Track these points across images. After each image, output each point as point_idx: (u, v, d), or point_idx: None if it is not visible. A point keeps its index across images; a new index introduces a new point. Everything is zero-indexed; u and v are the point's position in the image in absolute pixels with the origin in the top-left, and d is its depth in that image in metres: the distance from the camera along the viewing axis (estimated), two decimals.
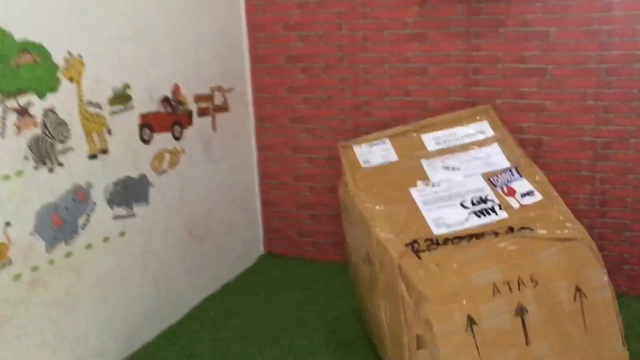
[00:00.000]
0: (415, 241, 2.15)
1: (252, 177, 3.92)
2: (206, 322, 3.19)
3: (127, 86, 2.80)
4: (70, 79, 2.48)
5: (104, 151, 2.69)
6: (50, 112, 2.38)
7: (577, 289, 2.07)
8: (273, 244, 4.03)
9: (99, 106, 2.64)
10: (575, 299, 2.07)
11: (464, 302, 2.01)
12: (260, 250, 4.07)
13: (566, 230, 2.11)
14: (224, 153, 3.58)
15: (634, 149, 3.03)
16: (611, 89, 3.01)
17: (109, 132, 2.71)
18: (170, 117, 3.10)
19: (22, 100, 2.27)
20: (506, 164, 2.39)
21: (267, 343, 2.95)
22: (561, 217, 2.17)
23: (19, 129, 2.25)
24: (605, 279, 2.09)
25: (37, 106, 2.33)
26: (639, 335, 2.78)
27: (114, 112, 2.72)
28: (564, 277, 2.06)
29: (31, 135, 2.31)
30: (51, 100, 2.39)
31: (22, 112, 2.27)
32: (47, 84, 2.37)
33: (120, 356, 2.84)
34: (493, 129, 2.52)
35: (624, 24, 2.93)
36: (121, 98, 2.77)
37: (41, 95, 2.35)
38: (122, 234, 2.83)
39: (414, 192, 2.32)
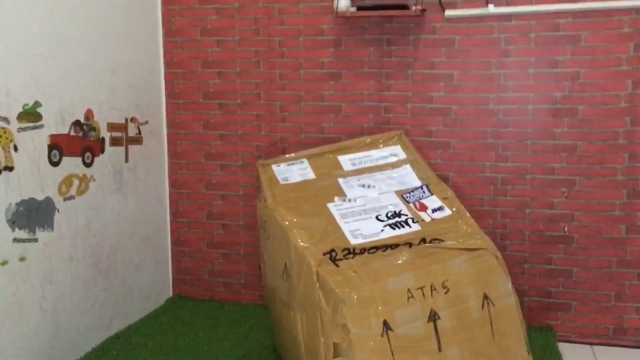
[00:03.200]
0: (333, 250, 2.18)
1: (163, 215, 3.83)
2: None
3: (38, 104, 2.72)
4: None
5: (9, 168, 2.57)
6: None
7: (485, 297, 2.17)
8: (183, 285, 3.90)
9: (6, 120, 2.54)
10: (483, 306, 2.16)
11: (380, 307, 2.04)
12: (169, 292, 3.93)
13: (473, 241, 2.22)
14: (135, 187, 3.50)
15: (530, 184, 3.27)
16: (508, 128, 3.26)
17: (15, 148, 2.60)
18: (81, 141, 3.02)
19: None
20: (418, 183, 2.51)
21: None
22: (469, 230, 2.29)
23: None
24: (510, 286, 2.21)
25: None
26: None
27: (22, 129, 2.62)
28: (473, 285, 2.16)
29: None
30: None
31: None
32: None
33: None
34: (405, 152, 2.65)
35: (517, 69, 3.22)
36: (31, 115, 2.68)
37: None
38: (22, 259, 2.66)
39: (331, 206, 2.37)
